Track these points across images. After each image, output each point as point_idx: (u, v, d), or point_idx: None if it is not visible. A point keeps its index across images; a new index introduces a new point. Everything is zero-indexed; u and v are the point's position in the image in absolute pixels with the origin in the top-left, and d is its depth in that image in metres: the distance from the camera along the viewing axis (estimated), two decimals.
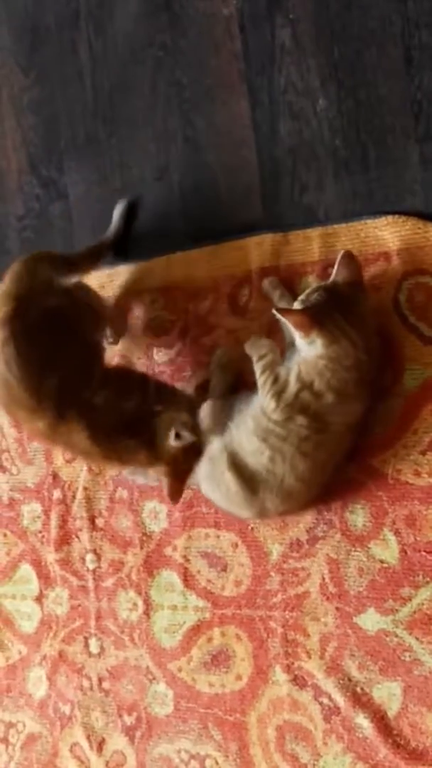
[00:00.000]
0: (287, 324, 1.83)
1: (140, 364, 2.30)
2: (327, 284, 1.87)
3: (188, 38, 2.27)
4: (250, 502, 1.94)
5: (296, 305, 1.87)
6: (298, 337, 1.84)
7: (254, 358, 1.96)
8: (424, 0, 1.94)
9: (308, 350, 1.83)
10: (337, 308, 1.82)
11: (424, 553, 1.92)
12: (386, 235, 1.97)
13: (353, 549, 2.01)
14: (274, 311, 1.84)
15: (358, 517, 2.00)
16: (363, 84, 2.01)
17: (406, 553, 1.95)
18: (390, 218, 1.97)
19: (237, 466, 1.92)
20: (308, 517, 2.06)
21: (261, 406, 1.91)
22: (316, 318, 1.80)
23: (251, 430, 1.91)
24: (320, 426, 1.85)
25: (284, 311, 1.84)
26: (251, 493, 1.92)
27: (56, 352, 1.97)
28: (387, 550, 1.97)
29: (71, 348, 2.02)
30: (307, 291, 1.89)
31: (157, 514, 2.28)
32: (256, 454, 1.90)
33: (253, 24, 2.14)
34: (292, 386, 1.85)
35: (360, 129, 2.01)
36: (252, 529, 2.14)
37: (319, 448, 1.87)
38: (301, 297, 1.89)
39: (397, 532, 1.96)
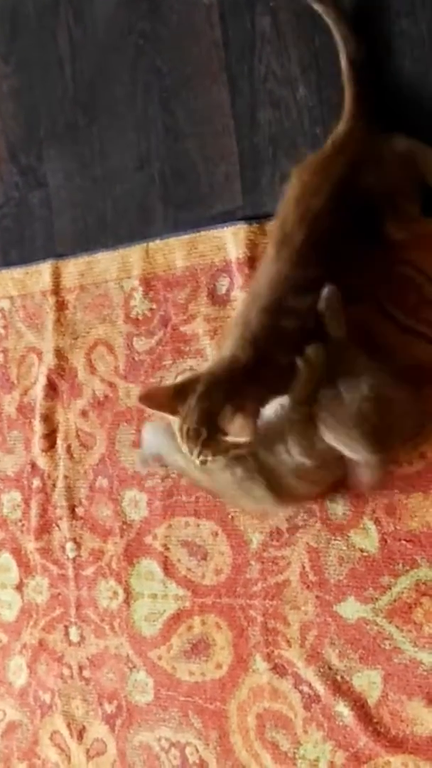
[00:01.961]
0: None
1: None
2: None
3: (168, 26, 2.23)
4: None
5: None
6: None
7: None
8: None
9: None
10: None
11: (404, 542, 1.90)
12: None
13: (333, 538, 1.98)
14: None
15: (338, 505, 1.98)
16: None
17: (386, 541, 1.92)
18: None
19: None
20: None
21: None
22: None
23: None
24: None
25: None
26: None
27: None
28: (367, 538, 1.94)
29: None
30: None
31: (137, 503, 2.25)
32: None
33: (234, 12, 2.10)
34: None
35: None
36: (232, 517, 2.11)
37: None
38: None
39: (377, 521, 1.93)
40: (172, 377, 2.19)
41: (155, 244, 2.24)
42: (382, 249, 1.83)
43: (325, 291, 1.74)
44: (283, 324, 1.73)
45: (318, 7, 1.91)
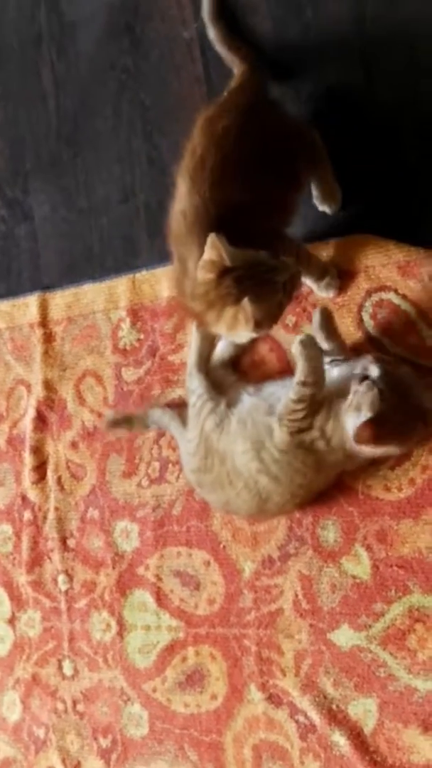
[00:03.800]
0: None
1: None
2: (383, 371, 1.74)
3: (150, 61, 2.25)
4: (221, 493, 1.94)
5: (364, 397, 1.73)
6: (351, 436, 1.73)
7: (301, 377, 1.76)
8: (381, 21, 1.94)
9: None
10: (401, 412, 1.71)
11: (395, 568, 1.90)
12: (351, 254, 1.96)
13: (325, 565, 1.98)
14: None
15: (330, 533, 1.97)
16: (325, 103, 2.00)
17: (378, 568, 1.92)
18: (351, 238, 1.97)
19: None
20: (280, 534, 2.03)
21: (269, 425, 1.84)
22: (380, 435, 1.69)
23: (247, 432, 1.87)
24: (316, 466, 1.83)
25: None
26: (228, 483, 1.91)
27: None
28: (359, 565, 1.94)
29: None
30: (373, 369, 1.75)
31: (129, 533, 2.24)
32: (244, 456, 1.87)
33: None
34: (315, 433, 1.78)
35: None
36: (224, 546, 2.10)
37: (307, 482, 1.85)
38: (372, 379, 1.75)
39: (368, 548, 1.93)
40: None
41: (141, 275, 2.25)
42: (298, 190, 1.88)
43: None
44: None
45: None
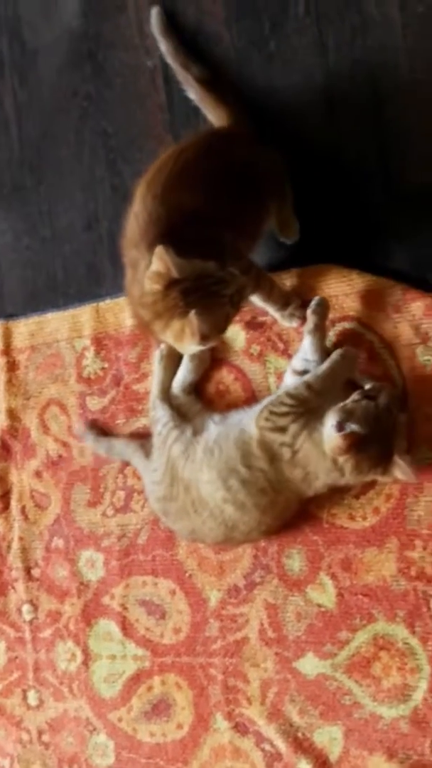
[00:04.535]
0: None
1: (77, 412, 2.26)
2: (387, 405, 1.78)
3: (113, 89, 2.25)
4: (187, 521, 1.94)
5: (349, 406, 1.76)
6: (328, 448, 1.76)
7: (311, 379, 1.82)
8: (343, 53, 1.96)
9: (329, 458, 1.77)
10: (380, 439, 1.75)
11: (360, 596, 1.91)
12: (314, 283, 1.97)
13: (291, 594, 1.98)
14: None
15: (295, 561, 1.98)
16: (288, 133, 2.01)
17: (342, 596, 1.93)
18: (314, 267, 1.99)
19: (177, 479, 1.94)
20: (245, 563, 2.03)
21: (245, 424, 1.87)
22: (358, 449, 1.73)
23: (214, 460, 1.88)
24: (277, 482, 1.83)
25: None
26: (193, 511, 1.91)
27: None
28: (324, 594, 1.95)
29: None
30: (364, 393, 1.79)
31: (94, 562, 2.23)
32: (209, 486, 1.88)
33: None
34: (285, 438, 1.80)
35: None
36: (190, 575, 2.10)
37: (271, 506, 1.86)
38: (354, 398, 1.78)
39: (333, 576, 1.94)
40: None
41: (105, 304, 2.25)
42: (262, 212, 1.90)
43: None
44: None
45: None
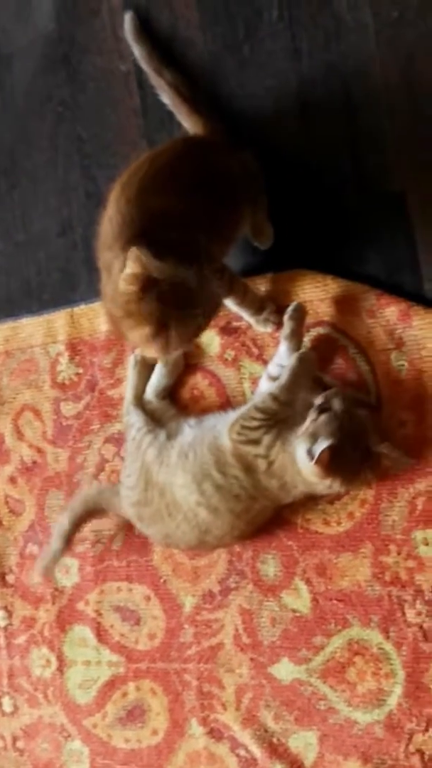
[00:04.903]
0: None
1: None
2: (345, 408, 1.75)
3: (87, 94, 2.23)
4: (161, 525, 1.92)
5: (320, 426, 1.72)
6: (310, 477, 1.74)
7: (276, 390, 1.79)
8: (316, 58, 1.94)
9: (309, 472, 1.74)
10: (353, 442, 1.72)
11: (335, 602, 1.89)
12: (289, 288, 1.95)
13: (265, 599, 1.96)
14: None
15: (270, 567, 1.96)
16: (262, 137, 1.99)
17: (317, 601, 1.91)
18: (288, 272, 1.97)
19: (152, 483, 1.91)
20: (220, 568, 2.01)
21: (218, 431, 1.84)
22: (332, 465, 1.70)
23: (188, 464, 1.86)
24: (253, 491, 1.81)
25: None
26: (167, 515, 1.89)
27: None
28: (299, 599, 1.93)
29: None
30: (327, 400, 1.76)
31: (69, 569, 2.20)
32: (184, 490, 1.85)
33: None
34: (260, 450, 1.77)
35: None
36: (164, 581, 2.08)
37: (245, 511, 1.84)
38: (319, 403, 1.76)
39: (308, 581, 1.92)
40: (100, 441, 2.16)
41: (80, 309, 2.22)
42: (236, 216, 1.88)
43: None
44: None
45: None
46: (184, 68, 2.07)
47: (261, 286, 1.98)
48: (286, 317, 1.88)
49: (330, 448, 1.66)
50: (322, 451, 1.66)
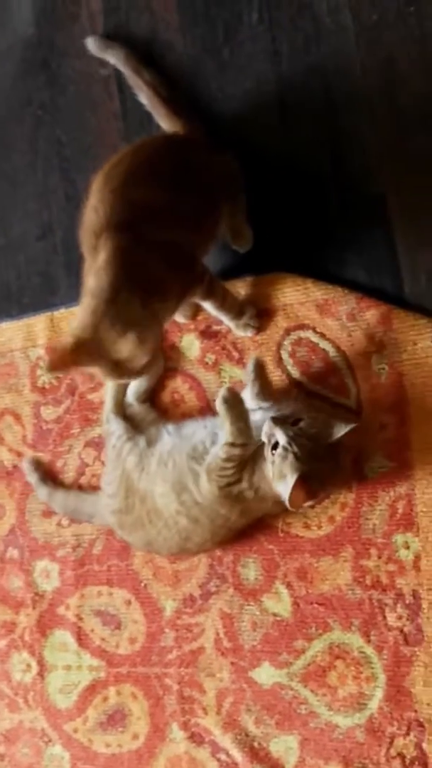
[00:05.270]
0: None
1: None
2: (291, 433, 1.68)
3: (67, 97, 2.19)
4: (142, 532, 1.88)
5: (280, 437, 1.66)
6: (294, 508, 1.69)
7: (229, 438, 1.72)
8: (296, 60, 1.91)
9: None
10: (321, 460, 1.68)
11: (316, 605, 1.86)
12: (269, 291, 1.92)
13: (246, 603, 1.93)
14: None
15: (250, 570, 1.93)
16: (242, 140, 1.97)
17: (298, 605, 1.88)
18: (269, 276, 1.94)
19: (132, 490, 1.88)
20: (201, 572, 1.98)
21: (194, 470, 1.79)
22: (312, 490, 1.66)
23: (168, 473, 1.82)
24: (241, 513, 1.79)
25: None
26: (148, 522, 1.85)
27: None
28: (279, 603, 1.90)
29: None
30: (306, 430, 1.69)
31: (49, 573, 2.16)
32: (164, 498, 1.82)
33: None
34: (243, 485, 1.73)
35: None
36: (145, 585, 2.04)
37: (226, 520, 1.81)
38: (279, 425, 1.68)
39: (288, 585, 1.89)
40: (80, 445, 2.12)
41: (60, 313, 2.18)
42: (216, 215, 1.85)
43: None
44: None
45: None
46: (164, 71, 2.04)
47: (241, 289, 1.95)
48: (250, 377, 1.83)
49: (300, 480, 1.62)
50: (294, 486, 1.62)
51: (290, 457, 1.64)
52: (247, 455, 1.72)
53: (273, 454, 1.66)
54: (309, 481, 1.64)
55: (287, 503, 1.65)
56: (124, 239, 1.61)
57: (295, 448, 1.64)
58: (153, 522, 1.85)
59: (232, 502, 1.76)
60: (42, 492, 2.13)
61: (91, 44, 2.08)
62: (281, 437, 1.65)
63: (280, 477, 1.66)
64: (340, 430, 1.68)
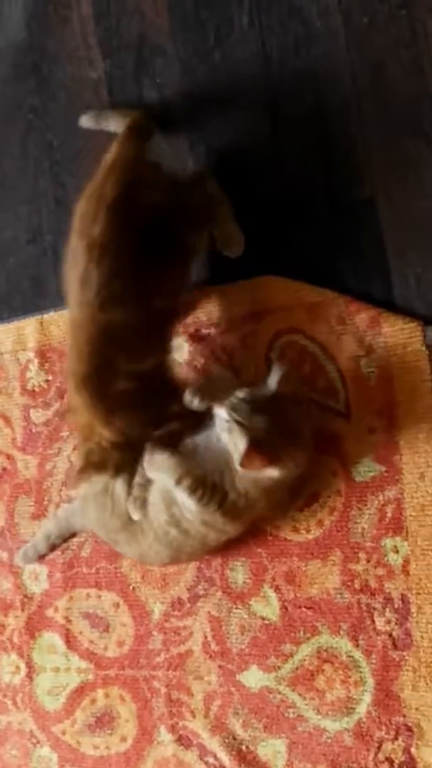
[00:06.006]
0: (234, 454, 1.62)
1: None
2: (266, 394, 1.64)
3: (57, 101, 2.13)
4: (135, 544, 1.80)
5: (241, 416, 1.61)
6: (250, 477, 1.62)
7: (184, 482, 1.67)
8: (286, 64, 1.86)
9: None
10: (281, 431, 1.62)
11: (304, 609, 1.80)
12: (259, 295, 1.87)
13: (234, 606, 1.87)
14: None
15: (238, 574, 1.87)
16: (232, 144, 1.91)
17: (286, 609, 1.82)
18: (259, 279, 1.88)
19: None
20: (189, 575, 1.92)
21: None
22: (268, 454, 1.58)
23: (157, 484, 1.74)
24: (234, 519, 1.71)
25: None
26: (140, 532, 1.77)
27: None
28: (268, 606, 1.84)
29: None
30: (246, 397, 1.63)
31: (38, 575, 2.09)
32: (153, 508, 1.73)
33: (121, 87, 2.03)
34: (232, 496, 1.65)
35: (230, 192, 1.89)
36: (133, 588, 1.98)
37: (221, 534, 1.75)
38: (240, 400, 1.64)
39: (277, 589, 1.83)
40: (70, 448, 2.06)
41: (49, 316, 2.12)
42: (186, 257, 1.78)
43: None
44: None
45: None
46: (154, 75, 1.98)
47: (232, 294, 1.89)
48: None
49: (250, 445, 1.56)
50: (246, 454, 1.56)
51: (236, 427, 1.58)
52: (208, 480, 1.65)
53: (225, 434, 1.61)
54: (259, 446, 1.57)
55: (239, 467, 1.59)
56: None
57: (236, 416, 1.58)
58: (144, 532, 1.76)
59: (224, 513, 1.68)
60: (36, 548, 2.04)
61: (85, 122, 2.02)
62: (222, 413, 1.60)
63: (236, 449, 1.59)
64: (275, 378, 1.63)
